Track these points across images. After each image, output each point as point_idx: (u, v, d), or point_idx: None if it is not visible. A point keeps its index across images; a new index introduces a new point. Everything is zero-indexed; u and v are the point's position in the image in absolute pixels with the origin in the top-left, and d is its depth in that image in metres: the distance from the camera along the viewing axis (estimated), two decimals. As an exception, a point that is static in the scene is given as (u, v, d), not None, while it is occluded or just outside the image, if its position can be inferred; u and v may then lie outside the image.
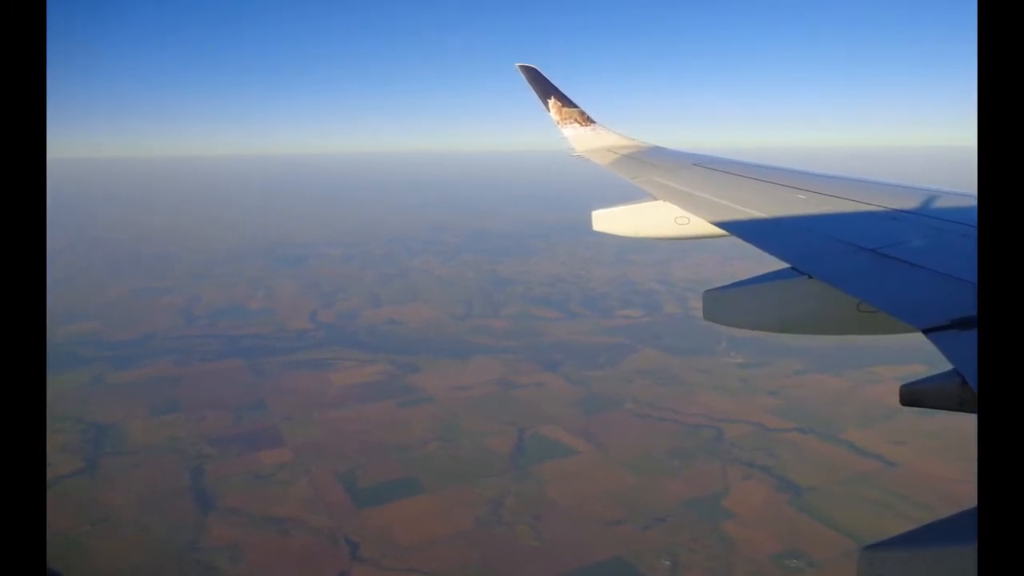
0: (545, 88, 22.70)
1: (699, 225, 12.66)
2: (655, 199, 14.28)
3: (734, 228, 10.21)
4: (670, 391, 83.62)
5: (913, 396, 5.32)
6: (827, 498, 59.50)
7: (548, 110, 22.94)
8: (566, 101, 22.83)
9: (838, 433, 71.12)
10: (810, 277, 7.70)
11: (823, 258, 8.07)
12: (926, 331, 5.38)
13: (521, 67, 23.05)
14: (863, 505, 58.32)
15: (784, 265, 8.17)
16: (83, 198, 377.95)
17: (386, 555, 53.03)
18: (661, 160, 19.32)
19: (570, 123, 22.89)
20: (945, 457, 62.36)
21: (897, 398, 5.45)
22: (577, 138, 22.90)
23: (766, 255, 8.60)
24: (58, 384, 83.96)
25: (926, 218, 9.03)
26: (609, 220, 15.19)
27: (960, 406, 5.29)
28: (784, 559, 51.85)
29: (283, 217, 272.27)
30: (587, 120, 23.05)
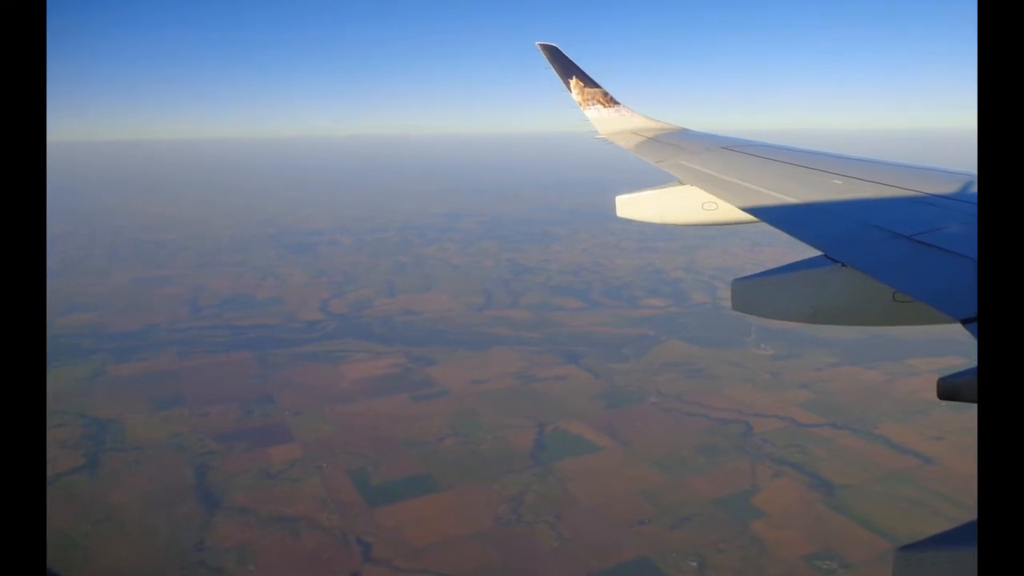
0: (566, 67, 22.72)
1: (727, 211, 12.75)
2: (681, 183, 14.28)
3: (764, 214, 10.25)
4: (697, 384, 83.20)
5: (951, 389, 5.15)
6: (861, 497, 59.07)
7: (569, 90, 22.98)
8: (588, 81, 22.86)
9: (872, 428, 70.65)
10: (843, 265, 7.74)
11: (857, 245, 8.04)
12: (964, 322, 5.38)
13: (541, 46, 23.14)
14: (899, 504, 57.76)
15: (816, 252, 8.20)
16: (82, 182, 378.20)
17: (400, 555, 52.79)
18: (688, 143, 19.27)
19: (593, 104, 22.94)
20: (985, 454, 62.76)
21: (934, 392, 5.31)
22: (600, 120, 22.97)
23: (797, 242, 8.68)
24: (58, 377, 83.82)
25: (965, 203, 8.94)
26: (634, 205, 15.21)
27: None
28: (816, 560, 51.52)
29: (291, 203, 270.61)
30: (610, 101, 23.06)
